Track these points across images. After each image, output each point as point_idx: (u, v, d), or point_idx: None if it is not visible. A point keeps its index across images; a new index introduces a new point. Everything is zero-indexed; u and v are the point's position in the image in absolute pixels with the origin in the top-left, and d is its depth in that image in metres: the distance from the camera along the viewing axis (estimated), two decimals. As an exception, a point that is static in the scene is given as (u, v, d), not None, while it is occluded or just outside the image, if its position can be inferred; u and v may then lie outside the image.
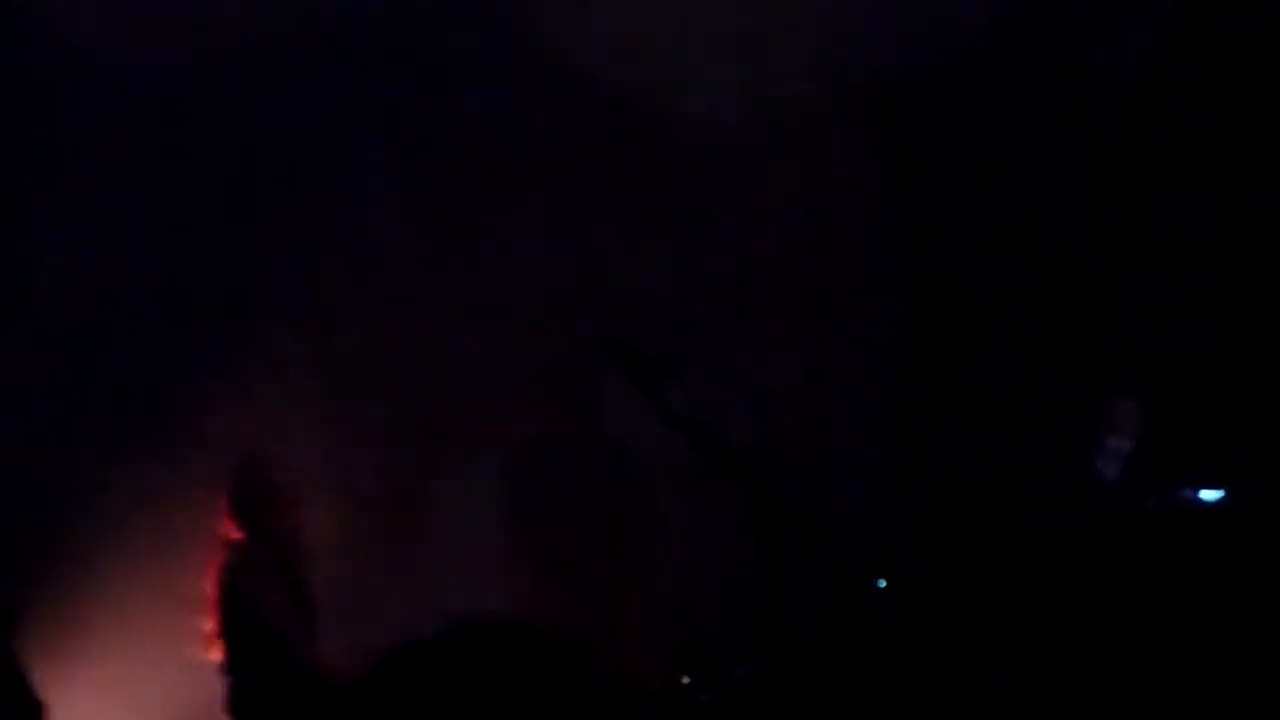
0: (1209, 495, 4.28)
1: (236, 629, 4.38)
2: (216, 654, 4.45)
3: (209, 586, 4.46)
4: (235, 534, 4.49)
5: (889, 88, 5.69)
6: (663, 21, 5.37)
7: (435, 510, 5.28)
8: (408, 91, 5.62)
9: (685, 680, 4.28)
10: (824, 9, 5.25)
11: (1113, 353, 5.23)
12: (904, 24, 5.49)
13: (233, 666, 4.37)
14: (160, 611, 4.69)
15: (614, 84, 5.46)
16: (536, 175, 5.64)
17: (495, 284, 5.49)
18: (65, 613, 4.77)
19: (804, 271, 5.90)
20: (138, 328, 5.25)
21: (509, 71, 5.57)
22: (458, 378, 5.41)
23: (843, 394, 5.80)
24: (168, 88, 5.25)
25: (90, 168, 5.35)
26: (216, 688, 4.41)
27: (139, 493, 4.85)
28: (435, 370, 5.35)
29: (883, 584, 4.50)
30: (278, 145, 5.37)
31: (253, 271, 5.37)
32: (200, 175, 5.31)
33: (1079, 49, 5.60)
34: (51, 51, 5.21)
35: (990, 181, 5.59)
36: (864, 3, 5.42)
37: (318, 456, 4.74)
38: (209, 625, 4.43)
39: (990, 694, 4.79)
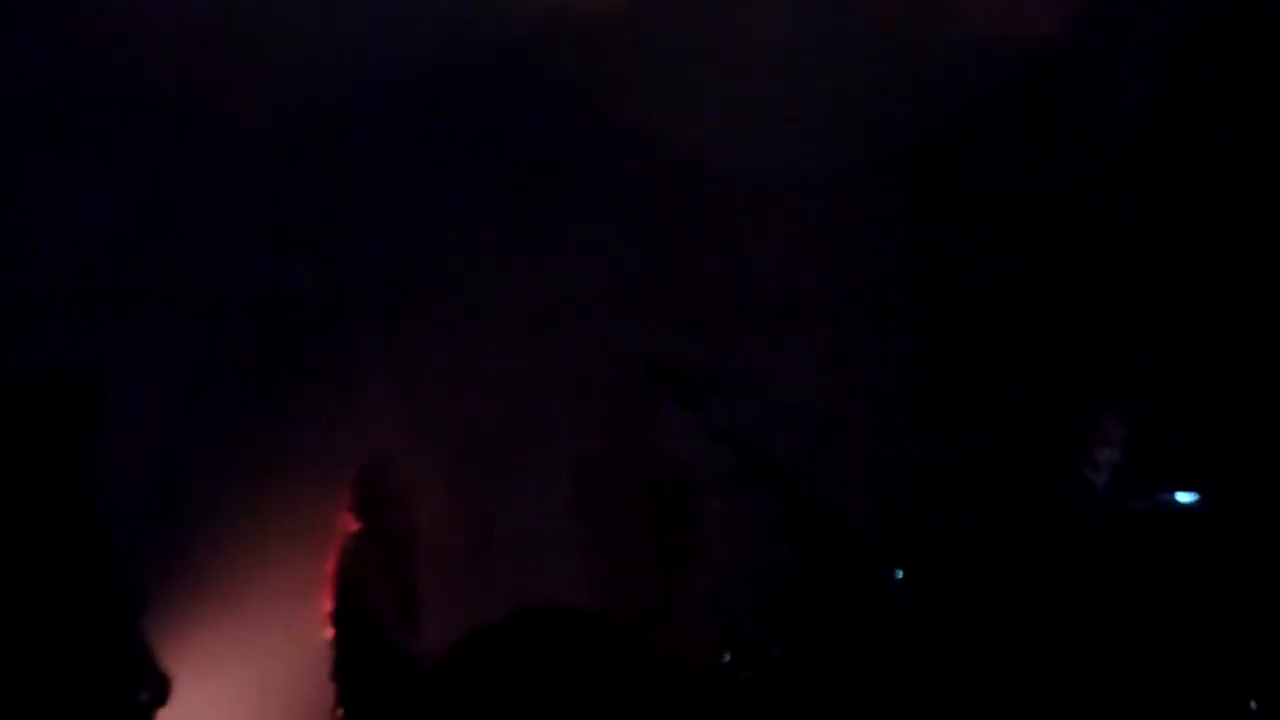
0: (1185, 498, 4.76)
1: (346, 612, 4.89)
2: (329, 632, 4.96)
3: (328, 572, 4.97)
4: (353, 528, 5.00)
5: (908, 150, 6.28)
6: (719, 93, 6.04)
7: (508, 514, 5.90)
8: (475, 135, 6.27)
9: (726, 660, 4.77)
10: (847, 86, 5.87)
11: (1103, 372, 5.74)
12: (918, 93, 6.06)
13: (340, 645, 4.92)
14: (285, 593, 5.24)
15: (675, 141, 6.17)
16: (600, 215, 6.22)
17: (561, 313, 6.16)
18: (200, 593, 5.30)
19: (831, 295, 6.51)
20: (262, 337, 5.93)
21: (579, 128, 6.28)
22: (530, 399, 6.00)
23: (862, 404, 6.43)
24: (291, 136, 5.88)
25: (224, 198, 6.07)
26: (326, 662, 4.92)
27: (269, 488, 5.39)
28: (512, 394, 5.95)
29: (900, 575, 4.99)
30: (372, 183, 6.04)
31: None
32: (303, 206, 5.99)
33: (1082, 105, 6.11)
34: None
35: (1000, 223, 6.15)
36: (885, 75, 6.02)
37: (409, 463, 5.35)
38: (325, 607, 4.97)
39: (995, 676, 5.26)
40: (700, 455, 5.08)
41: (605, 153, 6.34)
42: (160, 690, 4.48)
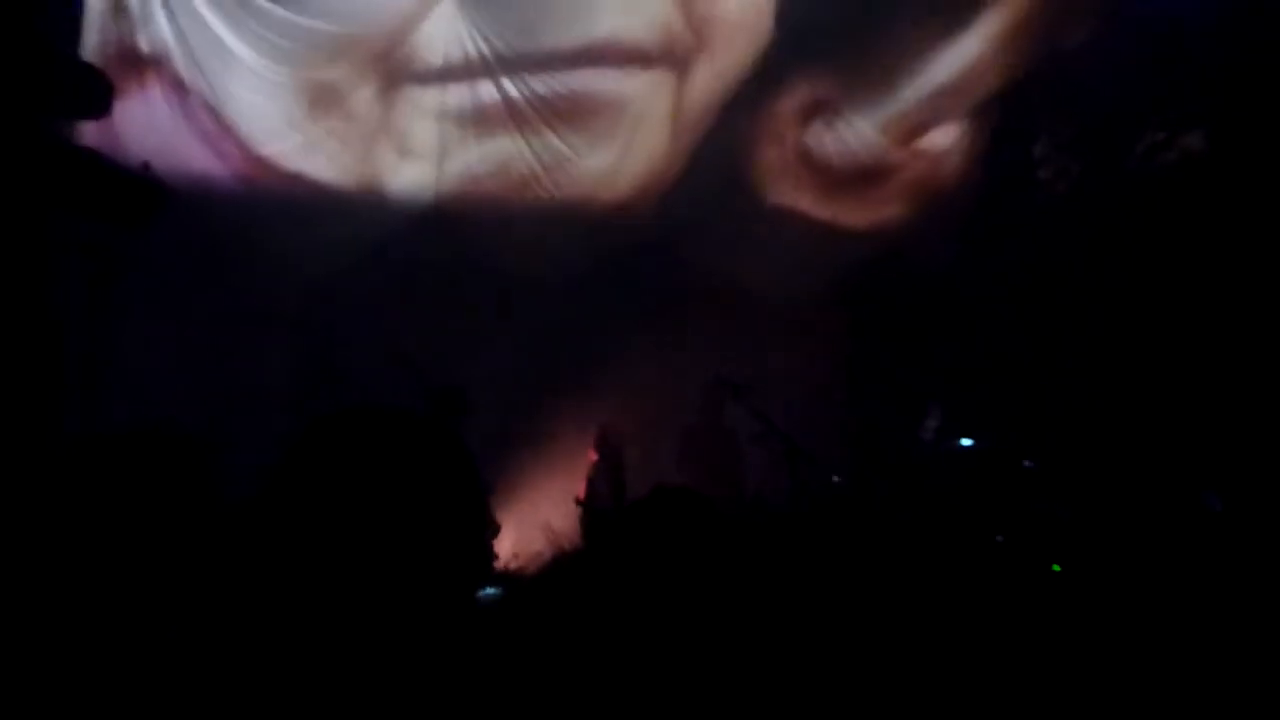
0: (966, 442, 9.39)
1: (589, 496, 9.44)
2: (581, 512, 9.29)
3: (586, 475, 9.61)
4: (593, 458, 9.72)
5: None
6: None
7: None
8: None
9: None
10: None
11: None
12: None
13: (585, 511, 9.37)
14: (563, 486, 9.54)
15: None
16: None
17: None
18: (512, 483, 9.51)
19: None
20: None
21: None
22: (664, 411, 9.99)
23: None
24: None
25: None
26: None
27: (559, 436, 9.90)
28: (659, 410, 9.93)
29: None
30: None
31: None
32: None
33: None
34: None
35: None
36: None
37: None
38: (580, 494, 9.40)
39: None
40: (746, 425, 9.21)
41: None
42: (495, 529, 8.48)
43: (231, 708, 2.16)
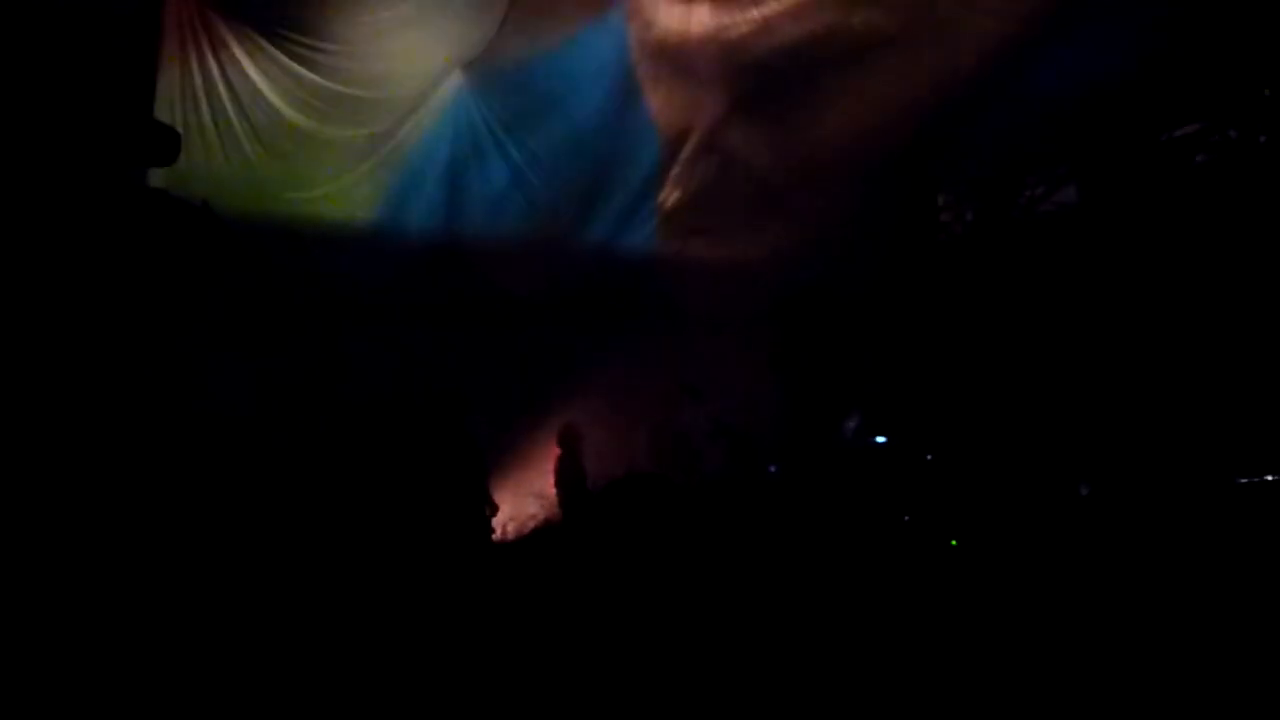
0: (879, 439, 10.92)
1: (560, 478, 11.20)
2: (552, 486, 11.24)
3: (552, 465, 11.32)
4: (557, 451, 11.47)
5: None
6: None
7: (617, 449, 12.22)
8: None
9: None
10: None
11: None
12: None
13: (558, 490, 11.20)
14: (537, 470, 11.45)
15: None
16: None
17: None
18: (503, 471, 11.35)
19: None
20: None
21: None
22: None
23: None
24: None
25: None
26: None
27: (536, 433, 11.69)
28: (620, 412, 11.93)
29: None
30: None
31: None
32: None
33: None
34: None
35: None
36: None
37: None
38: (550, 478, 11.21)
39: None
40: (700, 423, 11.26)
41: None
42: (494, 508, 10.51)
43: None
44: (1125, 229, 11.09)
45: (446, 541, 7.82)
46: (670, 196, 11.76)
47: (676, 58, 11.03)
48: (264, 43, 10.01)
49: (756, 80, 11.05)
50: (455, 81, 11.08)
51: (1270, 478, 8.39)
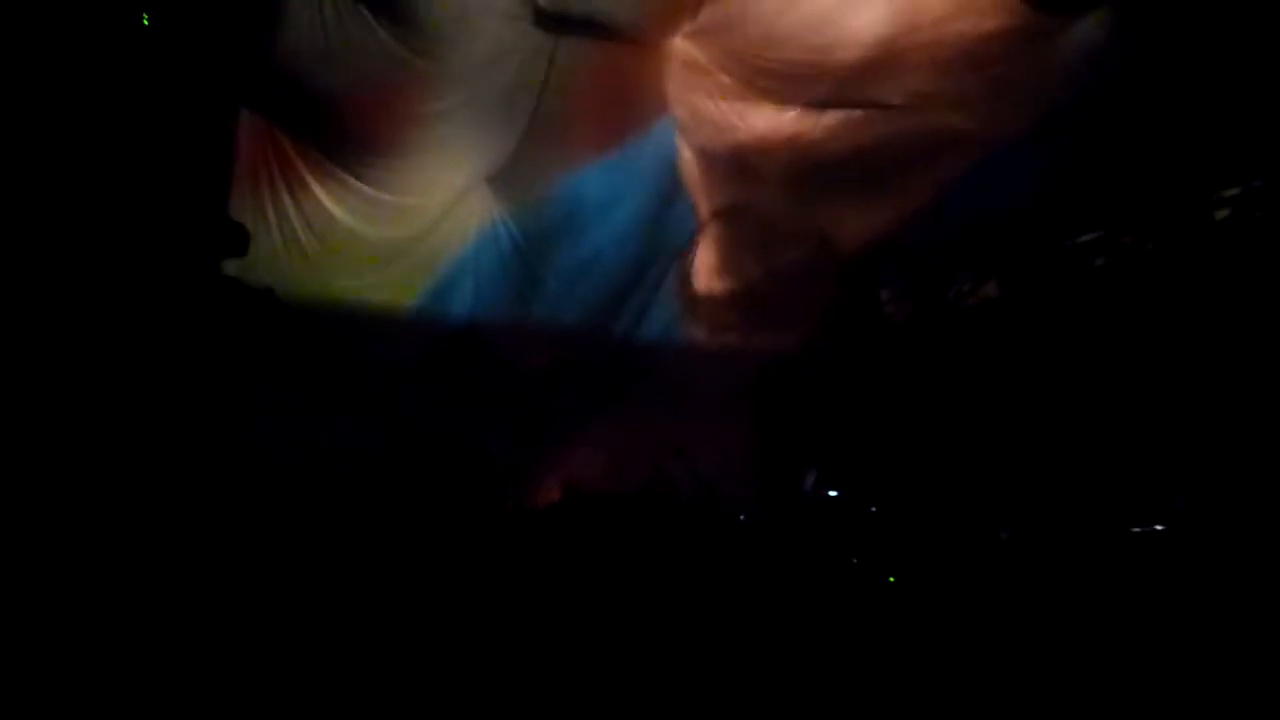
0: (832, 493, 11.99)
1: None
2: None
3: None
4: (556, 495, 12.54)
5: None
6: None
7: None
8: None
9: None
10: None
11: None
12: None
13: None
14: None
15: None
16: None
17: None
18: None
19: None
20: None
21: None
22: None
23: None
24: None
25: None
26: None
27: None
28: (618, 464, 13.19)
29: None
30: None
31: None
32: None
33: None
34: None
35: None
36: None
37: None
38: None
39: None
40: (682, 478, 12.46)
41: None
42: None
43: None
44: (1038, 319, 12.30)
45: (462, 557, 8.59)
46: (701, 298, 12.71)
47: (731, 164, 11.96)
48: (323, 159, 11.18)
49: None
50: (482, 191, 12.18)
51: (1158, 527, 9.22)
